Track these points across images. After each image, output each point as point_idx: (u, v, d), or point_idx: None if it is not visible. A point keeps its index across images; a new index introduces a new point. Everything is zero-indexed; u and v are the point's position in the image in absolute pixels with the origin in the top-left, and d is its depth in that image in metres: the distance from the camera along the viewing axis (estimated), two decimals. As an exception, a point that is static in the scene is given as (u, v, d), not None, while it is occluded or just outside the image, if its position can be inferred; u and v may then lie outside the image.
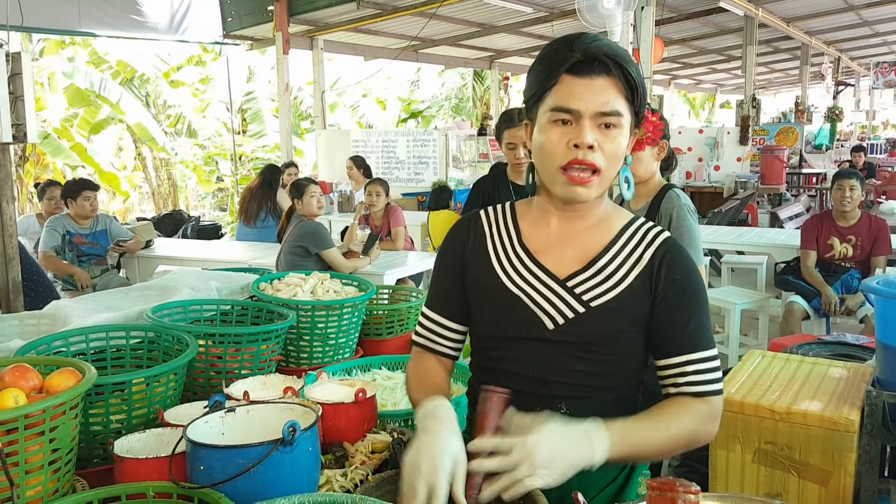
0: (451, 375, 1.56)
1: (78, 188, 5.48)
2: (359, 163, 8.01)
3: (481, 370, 1.50)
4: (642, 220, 1.46)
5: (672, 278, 1.38)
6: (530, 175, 1.46)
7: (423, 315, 1.54)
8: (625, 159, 1.37)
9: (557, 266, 1.41)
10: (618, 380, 1.42)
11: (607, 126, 1.31)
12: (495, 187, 3.52)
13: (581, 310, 1.37)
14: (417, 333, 1.55)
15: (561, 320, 1.38)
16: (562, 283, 1.39)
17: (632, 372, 1.43)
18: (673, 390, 1.37)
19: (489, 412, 1.26)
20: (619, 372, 1.41)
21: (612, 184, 1.40)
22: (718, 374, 1.37)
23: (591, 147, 1.29)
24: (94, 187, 5.60)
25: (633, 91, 1.32)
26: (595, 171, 1.31)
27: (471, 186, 3.79)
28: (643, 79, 1.36)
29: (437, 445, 1.21)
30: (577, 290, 1.38)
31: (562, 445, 1.19)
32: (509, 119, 3.40)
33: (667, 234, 1.43)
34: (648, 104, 1.38)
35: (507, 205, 1.52)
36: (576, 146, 1.30)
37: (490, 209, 1.53)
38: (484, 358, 1.49)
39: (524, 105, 1.42)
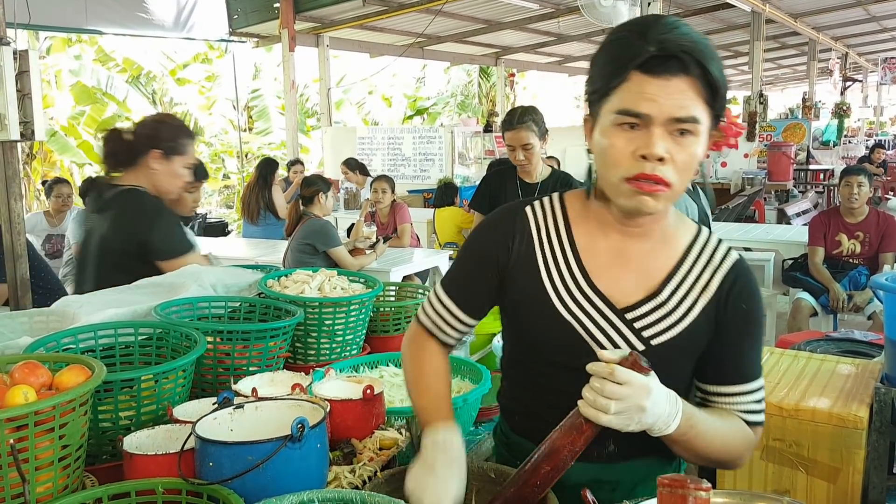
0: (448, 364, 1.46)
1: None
2: (352, 165, 8.01)
3: (518, 385, 1.42)
4: (706, 234, 1.32)
5: (738, 308, 1.27)
6: (590, 175, 1.31)
7: (436, 296, 1.41)
8: (699, 166, 1.21)
9: (616, 293, 1.27)
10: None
11: (682, 133, 1.13)
12: (503, 184, 3.55)
13: (640, 347, 1.25)
14: (424, 312, 1.43)
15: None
16: (620, 314, 1.26)
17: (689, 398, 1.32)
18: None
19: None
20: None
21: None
22: (764, 404, 1.32)
23: (661, 159, 1.13)
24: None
25: (716, 93, 1.14)
26: (666, 183, 1.14)
27: (477, 183, 3.82)
28: (725, 77, 1.16)
29: (444, 491, 1.19)
30: (637, 325, 1.26)
31: (654, 410, 1.13)
32: (508, 122, 3.42)
33: (735, 254, 1.30)
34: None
35: (558, 205, 1.36)
36: (643, 157, 1.13)
37: (538, 207, 1.36)
38: (523, 373, 1.40)
39: (585, 99, 1.26)
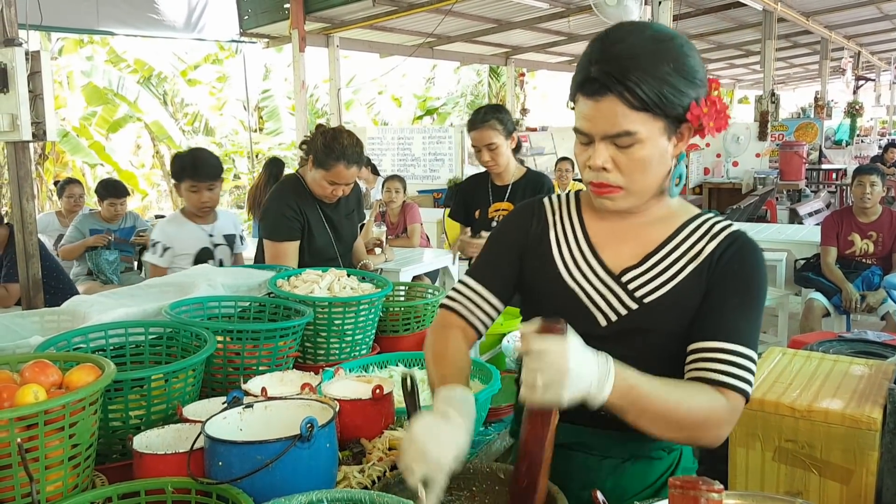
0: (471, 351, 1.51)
1: (105, 194, 5.52)
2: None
3: None
4: (711, 215, 1.41)
5: (728, 268, 1.32)
6: None
7: (462, 283, 1.49)
8: (678, 157, 1.32)
9: (614, 260, 1.38)
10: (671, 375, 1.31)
11: (623, 144, 1.26)
12: (475, 189, 3.45)
13: (634, 306, 1.34)
14: (451, 298, 1.49)
15: (613, 317, 1.35)
16: (616, 277, 1.36)
17: (680, 375, 1.32)
18: (693, 374, 1.28)
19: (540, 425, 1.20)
20: (668, 374, 1.28)
21: (663, 185, 1.35)
22: (749, 376, 1.27)
23: (604, 168, 1.28)
24: (120, 194, 5.61)
25: (649, 102, 1.22)
26: (614, 187, 1.30)
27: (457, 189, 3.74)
28: (669, 78, 1.23)
29: (451, 438, 1.18)
30: (630, 286, 1.35)
31: (581, 372, 1.11)
32: (471, 122, 3.25)
33: (737, 228, 1.36)
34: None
35: (573, 194, 1.50)
36: (590, 168, 1.30)
37: (554, 199, 1.50)
38: None
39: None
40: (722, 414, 1.24)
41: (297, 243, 2.94)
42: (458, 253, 3.60)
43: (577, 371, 1.10)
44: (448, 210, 3.74)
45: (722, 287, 1.32)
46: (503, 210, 3.31)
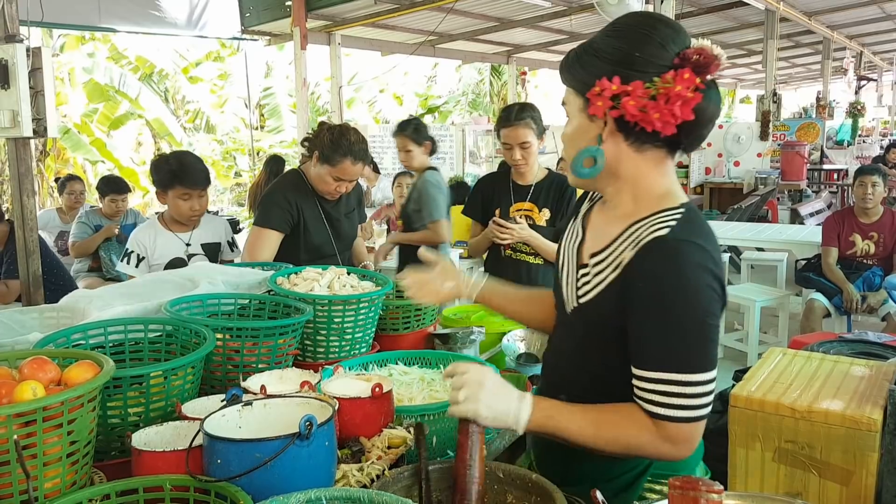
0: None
1: (107, 190, 5.53)
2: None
3: None
4: (659, 217, 1.30)
5: (635, 285, 1.26)
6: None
7: None
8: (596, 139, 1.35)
9: (584, 251, 1.42)
10: (613, 377, 1.34)
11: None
12: (495, 188, 3.41)
13: (575, 304, 1.40)
14: None
15: (571, 306, 1.42)
16: (577, 269, 1.42)
17: (619, 377, 1.32)
18: (634, 398, 1.29)
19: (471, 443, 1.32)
20: (610, 369, 1.33)
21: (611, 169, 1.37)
22: (683, 401, 1.23)
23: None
24: (122, 191, 5.61)
25: (566, 78, 1.37)
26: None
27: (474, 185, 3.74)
28: (584, 56, 1.33)
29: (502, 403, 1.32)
30: (579, 283, 1.39)
31: (498, 393, 1.30)
32: (505, 118, 3.20)
33: (660, 233, 1.26)
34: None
35: None
36: None
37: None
38: None
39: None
40: (657, 438, 1.25)
41: (279, 235, 2.91)
42: (468, 248, 3.64)
43: (493, 391, 1.29)
44: (457, 207, 3.75)
45: (637, 310, 1.26)
46: (525, 210, 3.27)
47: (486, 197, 3.41)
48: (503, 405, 1.29)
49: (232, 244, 3.21)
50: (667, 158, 1.35)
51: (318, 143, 2.86)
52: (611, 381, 1.34)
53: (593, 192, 1.53)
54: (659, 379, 1.24)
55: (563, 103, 1.38)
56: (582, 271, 1.39)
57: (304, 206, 2.95)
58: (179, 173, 2.93)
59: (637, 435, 1.26)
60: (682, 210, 1.31)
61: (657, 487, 1.43)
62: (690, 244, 1.24)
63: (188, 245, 3.03)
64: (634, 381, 1.28)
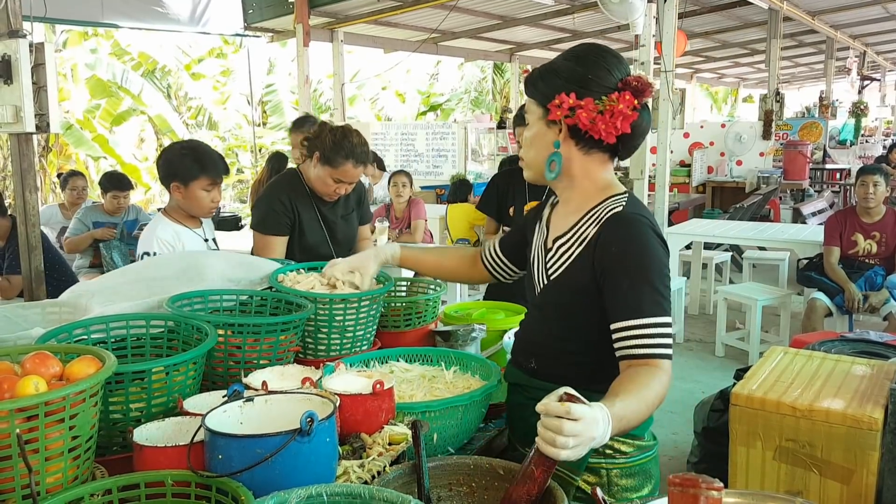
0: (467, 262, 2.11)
1: (109, 186, 5.53)
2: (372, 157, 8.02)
3: None
4: (612, 200, 1.62)
5: (608, 250, 1.54)
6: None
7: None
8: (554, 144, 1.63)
9: (549, 237, 1.70)
10: (578, 345, 1.63)
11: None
12: (511, 185, 3.44)
13: (545, 282, 1.67)
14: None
15: (540, 287, 1.68)
16: (544, 253, 1.69)
17: (590, 339, 1.60)
18: (620, 353, 1.50)
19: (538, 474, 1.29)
20: (576, 337, 1.63)
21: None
22: (663, 340, 1.48)
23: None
24: (124, 187, 5.60)
25: (529, 91, 1.67)
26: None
27: (489, 180, 3.74)
28: (547, 74, 1.63)
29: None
30: (547, 264, 1.67)
31: (602, 421, 1.28)
32: (521, 116, 3.09)
33: (619, 209, 1.58)
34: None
35: None
36: None
37: None
38: None
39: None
40: (665, 384, 1.46)
41: (284, 239, 2.94)
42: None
43: (601, 437, 1.27)
44: (457, 203, 3.76)
45: (611, 270, 1.54)
46: None
47: (501, 193, 3.45)
48: (596, 443, 1.28)
49: (215, 241, 3.06)
50: (607, 161, 1.66)
51: (320, 144, 2.85)
52: (583, 338, 1.64)
53: (548, 199, 1.83)
54: (642, 324, 1.48)
55: (525, 112, 1.67)
56: (549, 254, 1.67)
57: (300, 208, 2.95)
58: (206, 164, 2.76)
59: (659, 385, 1.44)
60: (626, 195, 1.64)
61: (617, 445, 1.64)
62: (641, 216, 1.58)
63: (206, 241, 2.92)
64: (621, 335, 1.50)
